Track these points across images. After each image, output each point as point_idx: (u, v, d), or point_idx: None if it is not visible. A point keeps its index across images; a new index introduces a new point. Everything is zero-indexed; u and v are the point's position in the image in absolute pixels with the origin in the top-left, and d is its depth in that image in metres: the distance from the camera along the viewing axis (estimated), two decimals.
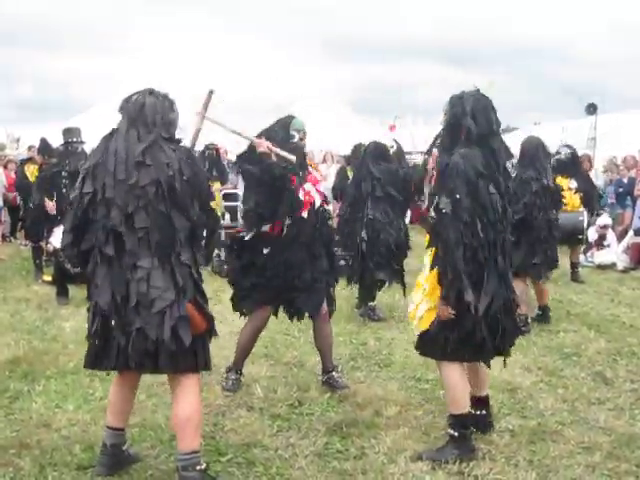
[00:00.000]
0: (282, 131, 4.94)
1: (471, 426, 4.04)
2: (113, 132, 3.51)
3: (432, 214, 3.91)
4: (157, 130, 3.45)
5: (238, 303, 5.05)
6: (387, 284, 7.47)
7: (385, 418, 4.52)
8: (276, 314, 5.13)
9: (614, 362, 5.92)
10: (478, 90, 4.04)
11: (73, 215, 3.51)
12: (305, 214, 4.85)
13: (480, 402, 4.23)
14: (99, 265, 3.44)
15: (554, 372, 5.56)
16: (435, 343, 3.93)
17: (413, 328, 4.15)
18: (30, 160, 11.78)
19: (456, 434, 3.95)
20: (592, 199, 10.04)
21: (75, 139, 8.29)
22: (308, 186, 4.91)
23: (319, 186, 5.07)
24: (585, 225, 9.26)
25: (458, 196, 3.72)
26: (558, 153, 9.41)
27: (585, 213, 9.20)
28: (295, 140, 4.92)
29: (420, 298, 4.04)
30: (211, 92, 4.50)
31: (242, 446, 4.10)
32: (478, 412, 4.20)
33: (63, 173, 8.20)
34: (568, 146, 9.88)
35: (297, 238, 4.84)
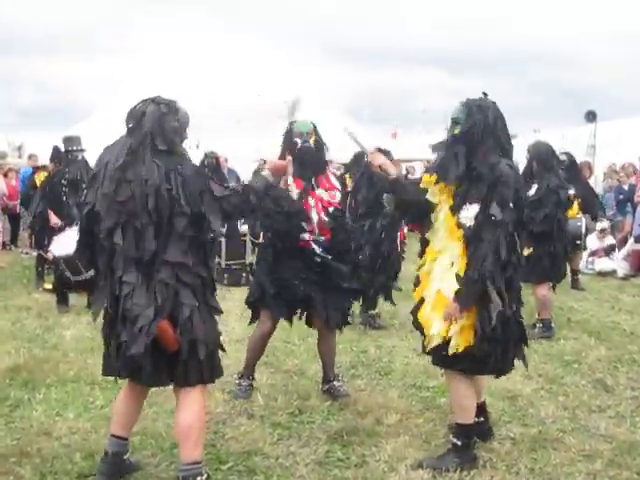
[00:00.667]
0: (287, 143, 4.91)
1: (475, 436, 4.03)
2: (114, 143, 3.51)
3: (464, 220, 3.79)
4: (150, 142, 3.40)
5: (259, 302, 4.98)
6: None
7: (386, 426, 4.51)
8: (291, 322, 5.14)
9: (615, 369, 5.92)
10: (487, 96, 3.97)
11: (80, 222, 3.63)
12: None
13: (478, 409, 4.21)
14: (99, 275, 3.56)
15: (555, 380, 5.55)
16: (463, 357, 3.80)
17: (430, 343, 3.92)
18: (43, 168, 11.71)
19: (459, 443, 3.94)
20: (592, 205, 10.07)
21: (75, 147, 8.30)
22: (310, 200, 4.83)
23: (332, 194, 4.94)
24: (584, 231, 9.29)
25: (512, 205, 3.70)
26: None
27: (583, 219, 9.23)
28: (299, 146, 4.84)
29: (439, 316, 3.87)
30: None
31: (243, 454, 4.10)
32: (476, 419, 4.19)
33: (63, 181, 8.21)
34: (566, 153, 9.91)
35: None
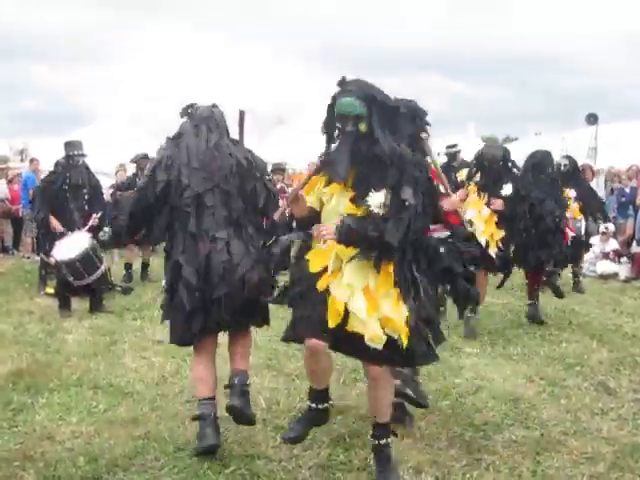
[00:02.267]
0: None
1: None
2: (179, 135, 4.23)
3: (373, 208, 3.50)
4: (222, 131, 4.29)
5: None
6: None
7: None
8: None
9: (617, 372, 5.93)
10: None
11: (139, 198, 4.16)
12: None
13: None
14: (178, 242, 4.05)
15: (557, 382, 5.56)
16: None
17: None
18: None
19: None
20: (593, 207, 10.09)
21: (76, 152, 8.31)
22: None
23: None
24: (582, 233, 9.32)
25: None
26: (558, 164, 9.56)
27: (583, 221, 9.26)
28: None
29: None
30: (242, 112, 4.61)
31: (245, 457, 4.10)
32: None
33: (64, 186, 8.21)
34: (567, 157, 10.00)
35: None
